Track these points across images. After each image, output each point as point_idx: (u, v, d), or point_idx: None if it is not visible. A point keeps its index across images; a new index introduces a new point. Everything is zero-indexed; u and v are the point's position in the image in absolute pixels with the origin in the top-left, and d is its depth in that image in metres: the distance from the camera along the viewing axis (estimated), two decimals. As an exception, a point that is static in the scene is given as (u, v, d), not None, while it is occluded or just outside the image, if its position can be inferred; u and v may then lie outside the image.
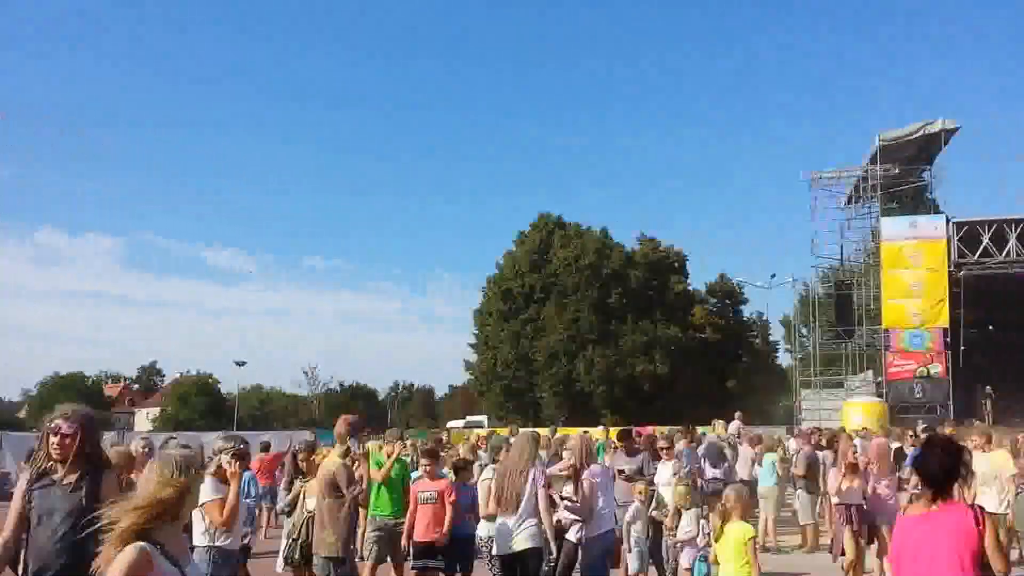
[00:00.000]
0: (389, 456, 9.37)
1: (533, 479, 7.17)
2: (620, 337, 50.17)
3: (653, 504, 10.13)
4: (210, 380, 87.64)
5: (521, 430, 9.77)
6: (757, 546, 7.01)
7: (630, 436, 12.80)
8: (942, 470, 4.56)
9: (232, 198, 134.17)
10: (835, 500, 10.23)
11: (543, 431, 26.10)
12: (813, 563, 12.43)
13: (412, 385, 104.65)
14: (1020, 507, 4.83)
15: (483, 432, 24.46)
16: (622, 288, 51.09)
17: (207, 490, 6.16)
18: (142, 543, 3.03)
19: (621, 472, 11.23)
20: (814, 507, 14.03)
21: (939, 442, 4.77)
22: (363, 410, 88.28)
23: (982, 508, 4.63)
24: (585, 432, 24.71)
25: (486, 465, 11.02)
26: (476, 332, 57.49)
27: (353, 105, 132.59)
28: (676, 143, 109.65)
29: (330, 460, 7.51)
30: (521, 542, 6.98)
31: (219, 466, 6.33)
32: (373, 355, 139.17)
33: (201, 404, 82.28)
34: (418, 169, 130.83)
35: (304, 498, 8.12)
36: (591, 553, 7.51)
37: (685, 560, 9.08)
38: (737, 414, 24.37)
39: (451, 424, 47.56)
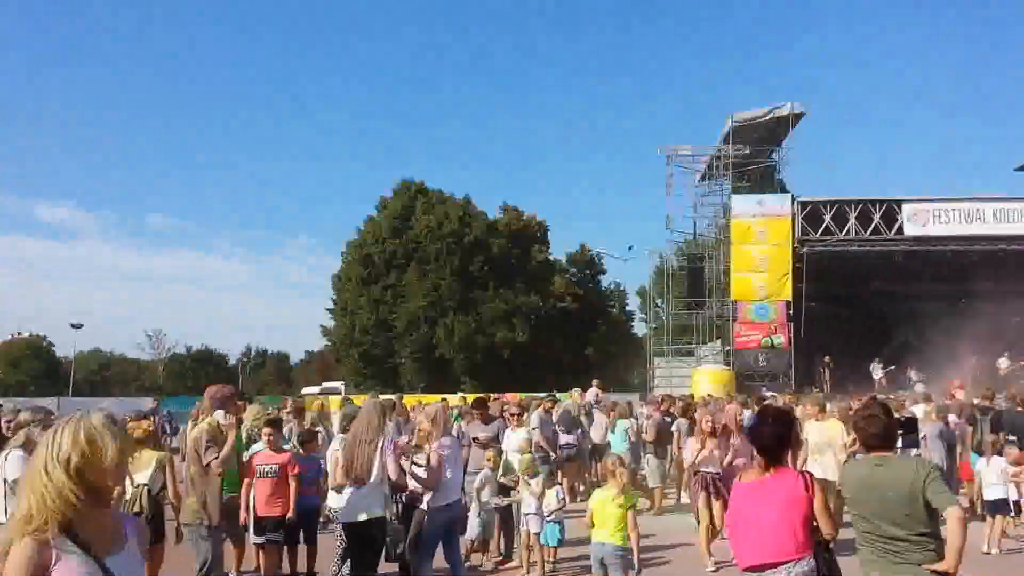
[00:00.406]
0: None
1: (381, 449, 7.06)
2: (481, 304, 50.38)
3: (501, 471, 10.18)
4: (43, 343, 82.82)
5: (369, 400, 9.49)
6: (636, 512, 7.32)
7: (485, 404, 12.71)
8: (775, 439, 4.72)
9: (67, 151, 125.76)
10: (690, 466, 10.47)
11: (411, 400, 26.00)
12: (660, 524, 12.82)
13: (265, 351, 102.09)
14: (846, 473, 5.01)
15: (337, 400, 24.01)
16: (484, 256, 51.26)
17: (13, 465, 5.70)
18: (36, 536, 2.51)
19: (476, 440, 11.21)
20: (662, 471, 14.48)
21: (772, 413, 4.95)
22: (213, 376, 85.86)
23: (811, 474, 4.81)
24: (443, 400, 24.78)
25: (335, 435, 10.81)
26: (334, 297, 56.52)
27: (205, 57, 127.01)
28: (540, 114, 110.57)
29: (195, 429, 7.52)
30: (367, 512, 6.89)
31: (28, 439, 5.87)
32: (223, 319, 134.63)
33: (34, 368, 77.74)
34: (274, 127, 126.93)
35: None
36: (433, 523, 7.48)
37: (534, 526, 9.14)
38: (595, 382, 24.81)
39: (306, 390, 46.66)
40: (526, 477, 9.48)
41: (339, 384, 47.96)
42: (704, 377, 30.17)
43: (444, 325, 49.75)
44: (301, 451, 9.60)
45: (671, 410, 16.02)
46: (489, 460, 9.90)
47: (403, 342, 50.89)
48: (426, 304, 49.81)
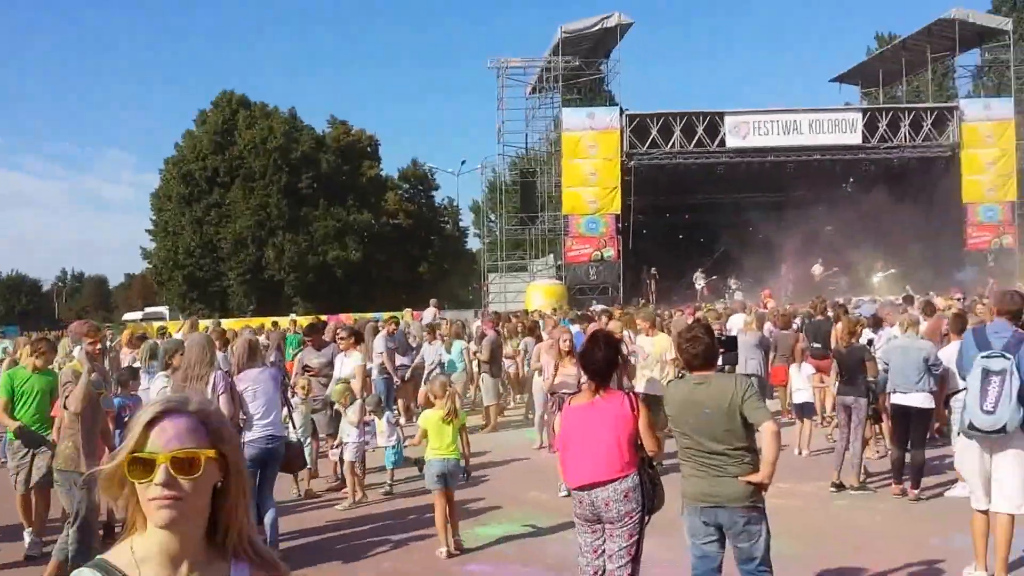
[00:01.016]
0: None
1: (214, 385, 6.65)
2: (311, 223, 48.93)
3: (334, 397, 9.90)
4: None
5: (196, 334, 8.82)
6: (466, 430, 7.65)
7: (317, 330, 12.19)
8: (604, 362, 4.86)
9: None
10: (544, 387, 10.35)
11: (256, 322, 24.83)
12: (495, 441, 12.91)
13: (82, 274, 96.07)
14: (669, 392, 5.12)
15: (165, 325, 22.79)
16: (313, 173, 49.58)
17: None
18: None
19: (308, 369, 10.78)
20: (496, 389, 14.54)
21: (601, 337, 5.00)
22: (26, 303, 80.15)
23: (637, 394, 5.05)
24: (274, 324, 23.96)
25: (158, 373, 10.15)
26: (154, 217, 53.46)
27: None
28: (367, 26, 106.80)
29: (64, 369, 7.02)
30: None
31: None
32: (33, 241, 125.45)
33: None
34: (87, 34, 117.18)
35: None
36: (246, 459, 6.97)
37: (348, 454, 8.95)
38: (432, 301, 24.68)
39: (128, 316, 44.26)
40: (341, 407, 9.30)
41: (163, 309, 45.73)
42: (537, 292, 30.57)
43: (273, 245, 48.10)
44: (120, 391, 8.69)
45: (499, 326, 16.01)
46: (303, 388, 9.71)
47: (230, 264, 48.90)
48: (253, 223, 47.87)
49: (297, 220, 48.80)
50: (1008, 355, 5.73)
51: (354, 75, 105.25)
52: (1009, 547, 5.79)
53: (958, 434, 6.13)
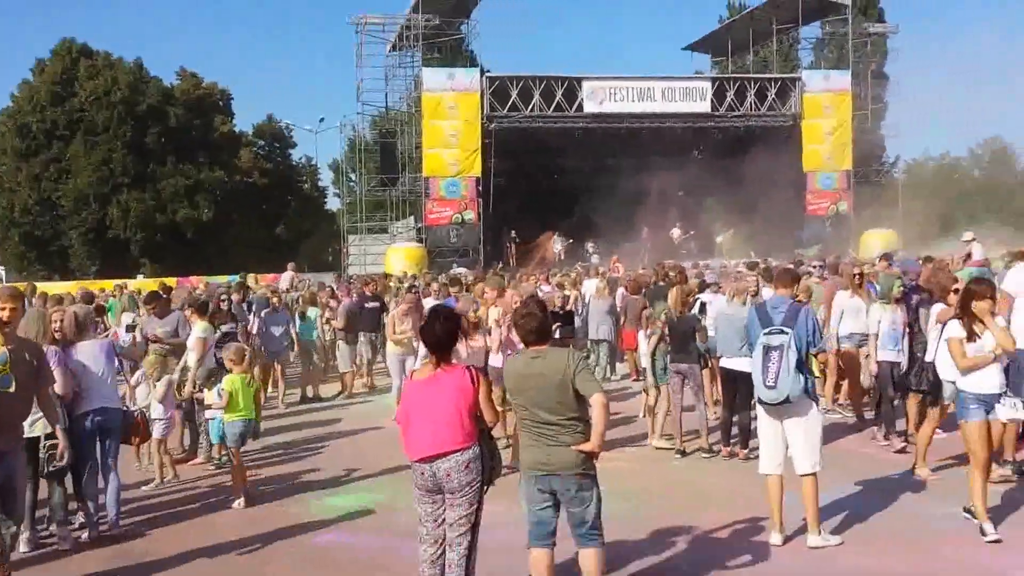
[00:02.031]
0: None
1: (45, 361, 6.33)
2: (159, 180, 46.72)
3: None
4: None
5: (31, 309, 8.30)
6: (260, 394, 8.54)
7: (160, 297, 11.75)
8: (445, 336, 4.97)
9: None
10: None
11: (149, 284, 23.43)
12: (351, 409, 12.93)
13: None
14: (508, 367, 5.35)
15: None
16: (161, 127, 47.21)
17: None
18: None
19: (149, 339, 10.45)
20: (352, 356, 14.50)
21: (441, 312, 5.11)
22: None
23: (477, 368, 5.28)
24: (122, 284, 22.93)
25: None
26: (-13, 173, 49.95)
27: None
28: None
29: None
30: (40, 428, 6.45)
31: None
32: None
33: None
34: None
35: None
36: (75, 432, 6.74)
37: (157, 431, 8.65)
38: (290, 265, 24.27)
39: (-41, 279, 41.39)
40: (150, 379, 9.00)
41: (-2, 270, 43.04)
42: (398, 255, 30.43)
43: (118, 203, 45.69)
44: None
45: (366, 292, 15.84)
46: (150, 365, 9.19)
47: (71, 222, 46.19)
48: (96, 180, 45.29)
49: (144, 177, 46.53)
50: (787, 329, 6.24)
51: (205, 25, 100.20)
52: (816, 504, 6.29)
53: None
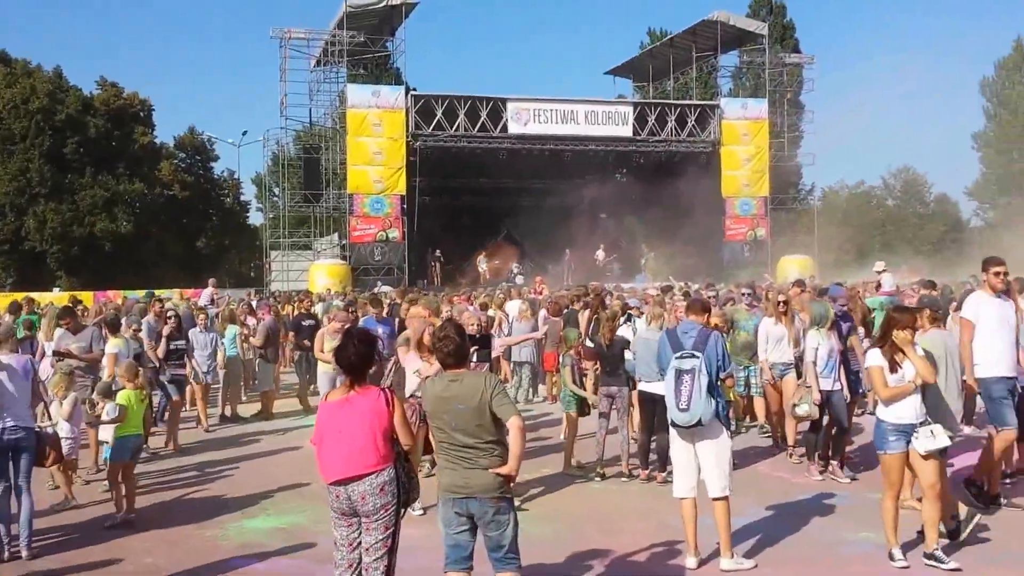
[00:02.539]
0: None
1: None
2: (77, 192, 45.47)
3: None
4: None
5: None
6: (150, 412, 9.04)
7: (73, 312, 11.50)
8: (359, 359, 4.94)
9: None
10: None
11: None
12: (269, 432, 12.76)
13: None
14: (426, 389, 5.39)
15: None
16: (79, 137, 46.00)
17: None
18: None
19: (59, 354, 10.19)
20: (272, 375, 14.34)
21: (356, 334, 5.12)
22: None
23: (392, 390, 5.18)
24: (28, 299, 22.18)
25: None
26: None
27: None
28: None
29: None
30: None
31: None
32: None
33: None
34: None
35: None
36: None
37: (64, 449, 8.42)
38: (211, 281, 23.89)
39: None
40: (56, 397, 8.79)
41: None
42: (321, 271, 30.20)
43: (34, 214, 44.32)
44: None
45: (279, 309, 15.75)
46: (53, 384, 8.94)
47: (-16, 233, 44.72)
48: (12, 190, 43.89)
49: (61, 187, 45.24)
50: (697, 353, 6.43)
51: (126, 35, 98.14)
52: (728, 528, 6.45)
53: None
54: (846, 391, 9.06)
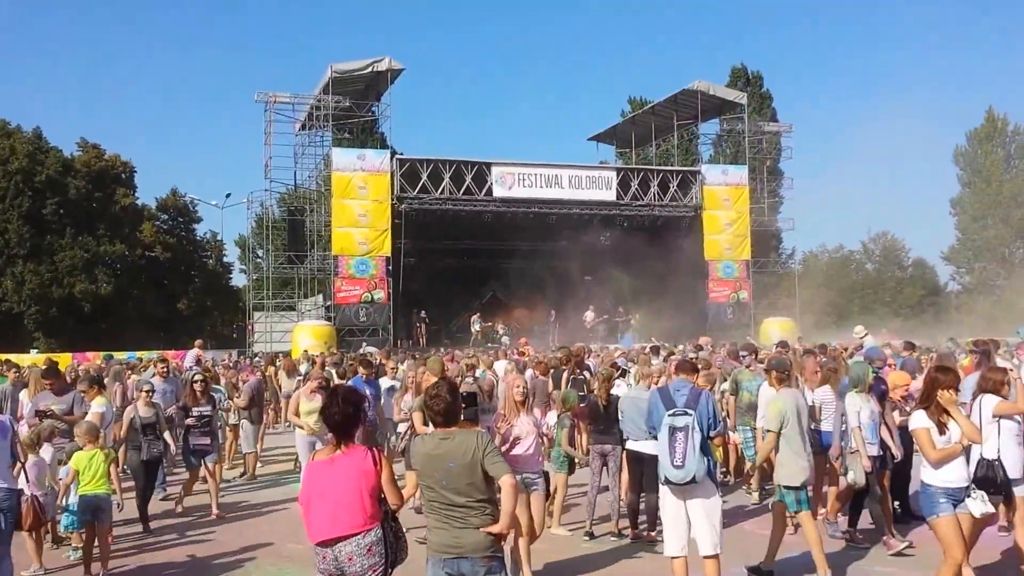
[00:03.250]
0: None
1: None
2: (56, 253, 45.31)
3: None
4: None
5: None
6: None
7: (59, 373, 11.36)
8: (345, 417, 4.90)
9: None
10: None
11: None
12: (255, 490, 12.56)
13: None
14: (415, 447, 5.34)
15: None
16: (59, 198, 45.94)
17: None
18: None
19: (44, 414, 10.04)
20: (256, 436, 14.18)
21: (342, 392, 5.08)
22: None
23: (380, 448, 5.13)
24: (6, 362, 21.95)
25: None
26: None
27: None
28: (125, 46, 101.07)
29: None
30: None
31: None
32: None
33: None
34: None
35: None
36: None
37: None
38: (197, 343, 23.85)
39: None
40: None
41: None
42: (305, 332, 30.07)
43: (12, 275, 44.07)
44: None
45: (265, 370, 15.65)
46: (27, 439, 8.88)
47: (-39, 294, 44.37)
48: (-11, 251, 43.84)
49: (40, 249, 45.09)
50: (690, 411, 6.45)
51: (108, 96, 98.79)
52: (719, 586, 6.43)
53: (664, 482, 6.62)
54: (899, 454, 8.66)
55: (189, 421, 11.01)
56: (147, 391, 10.83)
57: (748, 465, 11.25)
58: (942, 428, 6.06)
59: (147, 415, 10.47)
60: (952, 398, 6.07)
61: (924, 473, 6.18)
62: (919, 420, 6.16)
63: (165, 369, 13.86)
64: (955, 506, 6.00)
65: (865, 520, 8.77)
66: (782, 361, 8.62)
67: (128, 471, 10.98)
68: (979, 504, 6.00)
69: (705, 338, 23.23)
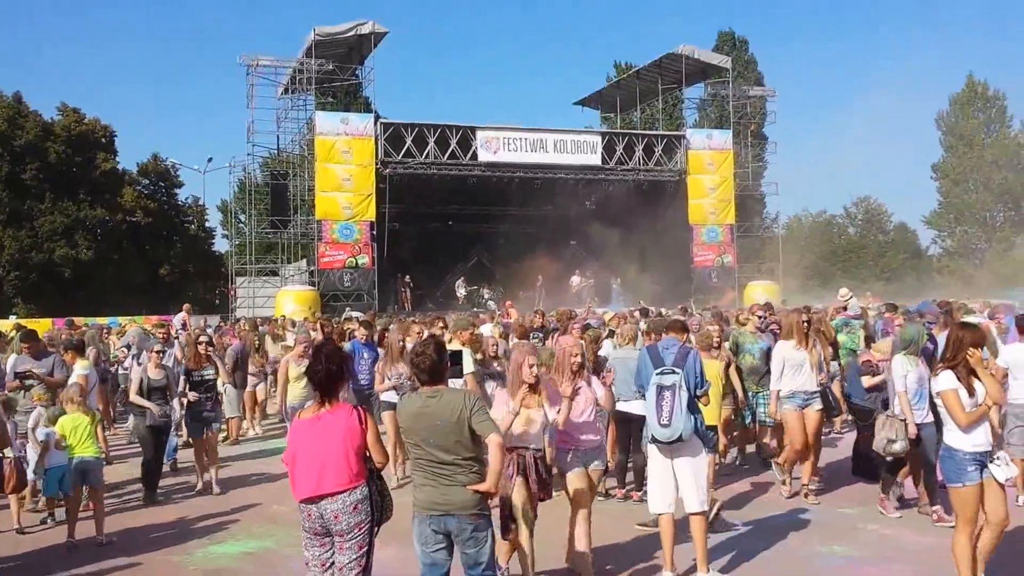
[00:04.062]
0: None
1: None
2: (36, 218, 44.79)
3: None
4: None
5: None
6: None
7: (37, 337, 11.24)
8: (328, 376, 4.86)
9: None
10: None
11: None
12: (236, 456, 12.55)
13: None
14: (402, 405, 5.32)
15: None
16: (39, 163, 45.32)
17: None
18: None
19: (24, 376, 9.95)
20: (239, 401, 14.16)
21: (325, 351, 5.04)
22: None
23: (365, 408, 5.07)
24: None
25: None
26: None
27: None
28: (103, 9, 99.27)
29: None
30: None
31: None
32: None
33: None
34: None
35: None
36: None
37: None
38: (185, 306, 23.94)
39: None
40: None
41: None
42: (288, 297, 29.98)
43: (-9, 240, 43.69)
44: None
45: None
46: (38, 398, 9.15)
47: (-60, 259, 43.88)
48: (-33, 216, 43.29)
49: (20, 214, 44.54)
50: (677, 369, 6.46)
51: (88, 60, 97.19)
52: (705, 542, 6.45)
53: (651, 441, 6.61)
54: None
55: (190, 392, 10.27)
56: (157, 351, 10.30)
57: (766, 437, 10.65)
58: (971, 389, 5.74)
59: (157, 378, 9.96)
60: (980, 356, 5.78)
61: (950, 437, 5.82)
62: (947, 381, 5.79)
63: (166, 333, 13.06)
64: (981, 472, 5.74)
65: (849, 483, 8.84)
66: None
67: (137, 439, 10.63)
68: (1003, 469, 5.74)
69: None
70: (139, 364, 10.78)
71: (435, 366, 4.97)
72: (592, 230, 34.89)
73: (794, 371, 8.81)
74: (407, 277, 33.16)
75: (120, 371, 15.27)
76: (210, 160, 47.44)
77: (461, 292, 33.12)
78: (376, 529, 4.86)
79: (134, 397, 10.01)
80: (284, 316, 24.48)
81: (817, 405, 8.85)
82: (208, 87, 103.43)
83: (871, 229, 57.76)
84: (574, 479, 6.50)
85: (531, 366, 5.96)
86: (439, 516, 4.84)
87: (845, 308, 16.33)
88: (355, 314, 24.75)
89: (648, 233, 33.22)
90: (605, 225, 34.06)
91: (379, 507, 4.86)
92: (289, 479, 4.88)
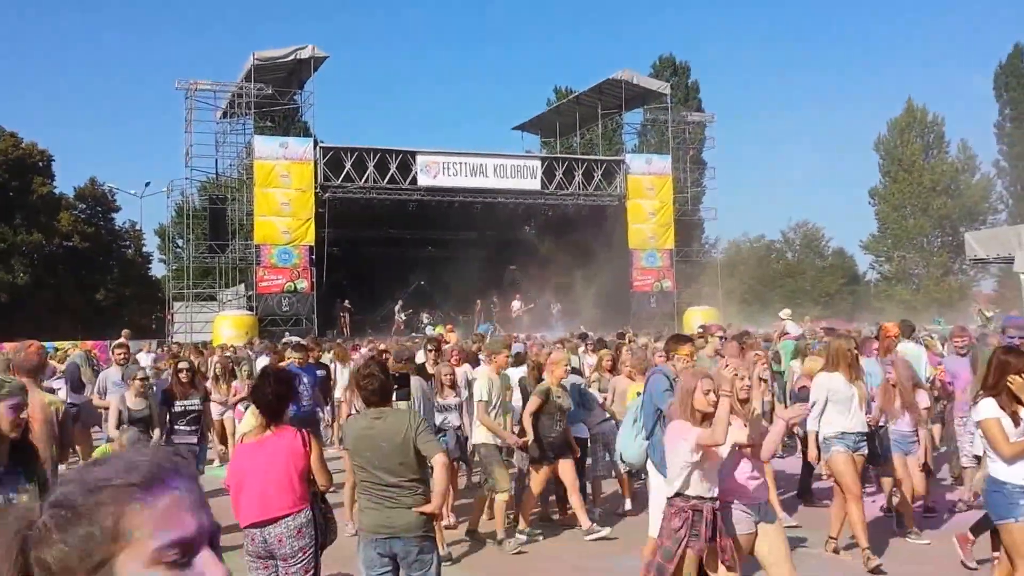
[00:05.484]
0: None
1: None
2: (-30, 243, 43.62)
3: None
4: None
5: None
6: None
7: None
8: (275, 398, 4.86)
9: None
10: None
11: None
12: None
13: None
14: (347, 426, 5.34)
15: None
16: (-30, 187, 44.26)
17: None
18: None
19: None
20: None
21: (273, 373, 5.05)
22: None
23: (310, 431, 5.10)
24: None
25: None
26: None
27: None
28: (42, 33, 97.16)
29: None
30: None
31: None
32: None
33: None
34: None
35: None
36: None
37: None
38: (124, 332, 23.49)
39: None
40: None
41: None
42: (226, 322, 29.58)
43: (-76, 265, 42.35)
44: None
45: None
46: None
47: None
48: None
49: (-47, 239, 43.31)
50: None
51: (26, 83, 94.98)
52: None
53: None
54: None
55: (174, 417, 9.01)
56: (140, 379, 8.92)
57: (893, 490, 8.65)
58: (1016, 419, 5.22)
59: (138, 408, 8.62)
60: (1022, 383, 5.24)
61: (995, 469, 5.30)
62: (988, 409, 5.30)
63: (123, 355, 11.75)
64: None
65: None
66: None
67: None
68: None
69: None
70: (73, 391, 10.45)
71: (384, 386, 5.02)
72: (532, 255, 35.09)
73: (842, 409, 7.39)
74: (346, 302, 32.94)
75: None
76: (148, 184, 46.59)
77: (400, 317, 32.99)
78: (320, 552, 4.87)
79: (112, 433, 8.68)
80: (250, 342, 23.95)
81: (864, 450, 7.57)
82: (146, 111, 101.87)
83: (809, 254, 58.58)
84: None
85: (706, 392, 4.94)
86: (384, 539, 4.84)
87: (785, 332, 16.62)
88: (294, 339, 24.52)
89: (588, 258, 33.48)
90: (545, 250, 34.28)
91: (323, 530, 4.88)
92: (232, 503, 4.85)
